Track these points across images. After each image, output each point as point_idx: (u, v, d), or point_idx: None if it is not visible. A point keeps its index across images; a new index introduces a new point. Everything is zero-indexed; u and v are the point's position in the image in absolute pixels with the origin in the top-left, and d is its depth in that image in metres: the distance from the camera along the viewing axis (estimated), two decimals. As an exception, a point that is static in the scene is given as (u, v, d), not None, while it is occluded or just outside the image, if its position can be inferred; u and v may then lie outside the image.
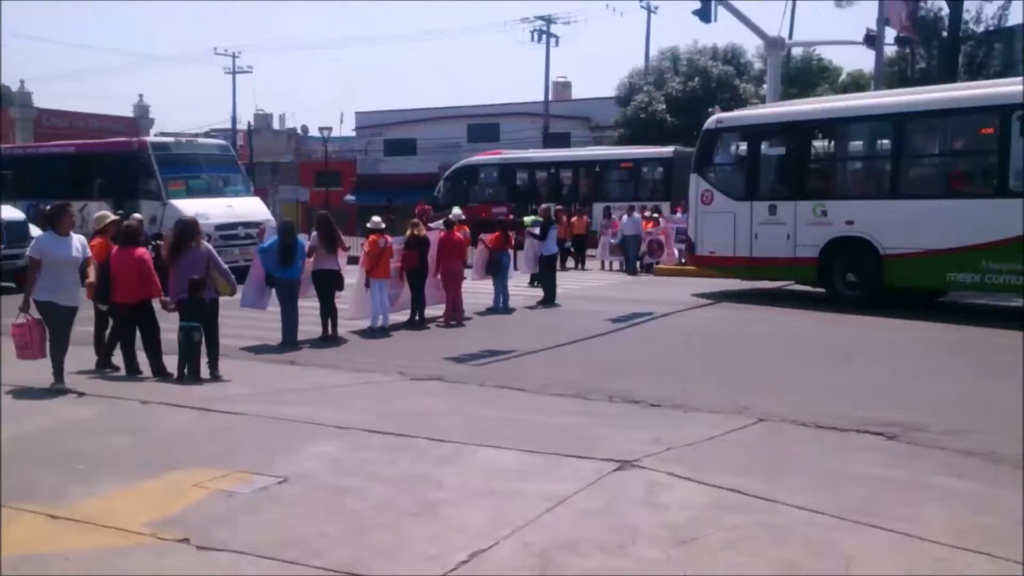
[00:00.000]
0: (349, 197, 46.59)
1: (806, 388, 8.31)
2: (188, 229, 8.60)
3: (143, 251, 8.43)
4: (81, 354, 9.45)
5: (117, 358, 8.87)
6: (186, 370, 8.33)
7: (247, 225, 19.02)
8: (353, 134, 50.29)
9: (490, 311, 14.01)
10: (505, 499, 4.88)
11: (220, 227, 18.11)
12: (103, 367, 8.88)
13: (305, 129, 68.26)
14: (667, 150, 26.88)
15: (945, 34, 17.84)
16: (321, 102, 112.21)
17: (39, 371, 7.85)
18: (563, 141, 42.48)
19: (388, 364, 9.50)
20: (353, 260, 12.98)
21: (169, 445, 6.03)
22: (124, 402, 7.39)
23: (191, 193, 19.13)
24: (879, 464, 5.60)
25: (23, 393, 7.62)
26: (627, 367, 9.59)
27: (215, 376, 8.44)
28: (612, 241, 21.99)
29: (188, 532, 4.34)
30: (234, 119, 53.04)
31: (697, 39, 38.85)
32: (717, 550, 4.18)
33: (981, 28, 17.96)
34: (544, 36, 40.67)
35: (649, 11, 41.26)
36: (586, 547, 4.21)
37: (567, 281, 17.08)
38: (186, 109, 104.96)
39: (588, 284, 18.69)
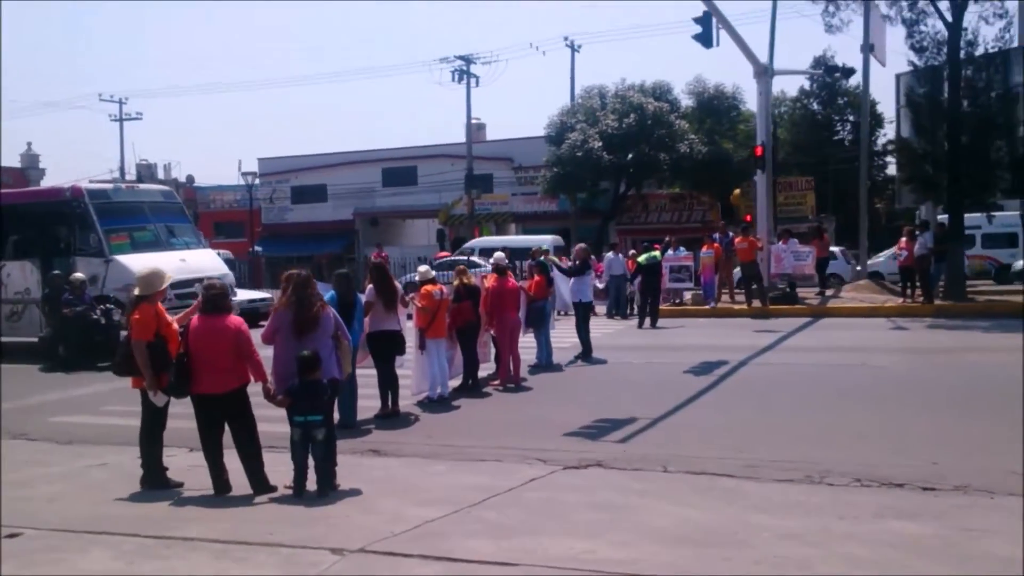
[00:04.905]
0: (256, 248, 43.48)
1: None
2: (307, 285, 6.35)
3: (238, 320, 6.05)
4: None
5: (177, 467, 6.50)
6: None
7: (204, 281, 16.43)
8: (257, 182, 47.22)
9: (536, 368, 12.17)
10: None
11: (175, 285, 15.41)
12: (158, 484, 6.35)
13: (191, 179, 64.49)
14: None
15: (944, 58, 17.31)
16: (216, 149, 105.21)
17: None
18: (486, 183, 41.02)
19: (498, 447, 7.57)
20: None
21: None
22: (305, 553, 4.82)
23: (136, 247, 16.25)
24: None
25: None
26: (791, 432, 7.97)
27: (332, 487, 6.12)
28: (598, 285, 20.48)
29: None
30: (123, 168, 49.15)
31: (625, 77, 38.32)
32: None
33: (979, 51, 17.55)
34: (464, 76, 39.21)
35: (573, 49, 40.58)
36: None
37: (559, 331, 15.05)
38: (68, 158, 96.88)
39: (594, 333, 17.00)
